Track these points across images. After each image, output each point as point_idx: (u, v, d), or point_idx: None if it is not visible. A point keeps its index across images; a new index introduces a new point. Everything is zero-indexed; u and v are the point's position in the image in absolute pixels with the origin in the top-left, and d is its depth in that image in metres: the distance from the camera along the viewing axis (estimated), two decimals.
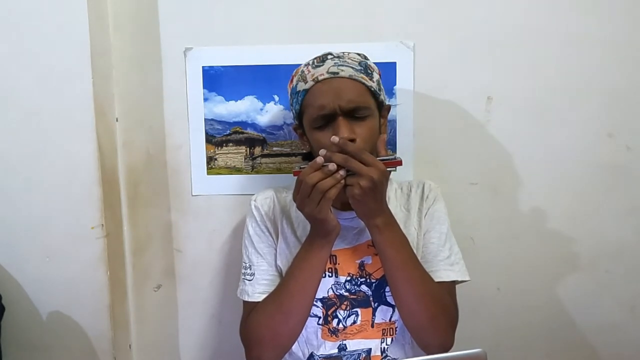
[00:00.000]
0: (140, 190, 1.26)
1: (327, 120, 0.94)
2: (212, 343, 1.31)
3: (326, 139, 0.91)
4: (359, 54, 1.00)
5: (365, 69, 0.97)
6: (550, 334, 1.28)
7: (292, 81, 1.02)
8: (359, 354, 1.01)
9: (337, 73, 0.94)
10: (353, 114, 0.94)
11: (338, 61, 0.96)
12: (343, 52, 0.99)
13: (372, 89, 0.97)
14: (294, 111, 1.02)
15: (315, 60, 0.98)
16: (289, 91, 1.03)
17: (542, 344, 1.29)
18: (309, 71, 0.96)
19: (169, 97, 1.23)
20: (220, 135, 1.24)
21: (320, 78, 0.95)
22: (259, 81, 1.21)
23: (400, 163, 0.92)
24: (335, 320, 1.01)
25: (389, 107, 1.05)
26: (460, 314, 1.01)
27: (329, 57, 0.97)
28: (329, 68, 0.95)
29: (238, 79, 1.22)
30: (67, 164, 1.14)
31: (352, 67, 0.95)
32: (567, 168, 1.23)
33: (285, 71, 1.04)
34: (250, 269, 1.03)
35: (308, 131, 0.99)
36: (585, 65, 1.20)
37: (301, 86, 0.97)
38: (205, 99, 1.23)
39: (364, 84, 0.95)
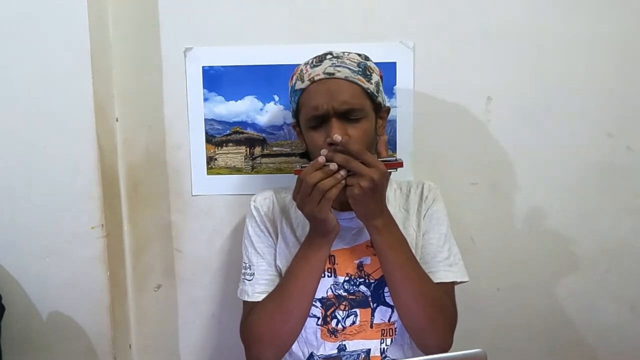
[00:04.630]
0: (140, 190, 1.26)
1: (321, 121, 0.94)
2: (212, 343, 1.31)
3: (320, 139, 0.93)
4: (359, 55, 1.00)
5: (364, 70, 0.97)
6: (550, 334, 1.28)
7: (292, 79, 1.02)
8: (359, 355, 1.01)
9: (333, 74, 0.94)
10: (347, 116, 0.94)
11: (336, 61, 0.96)
12: (343, 52, 0.99)
13: (369, 91, 0.96)
14: (292, 109, 1.03)
15: (314, 60, 0.98)
16: (289, 89, 1.03)
17: (542, 344, 1.29)
18: (307, 70, 0.97)
19: (169, 97, 1.23)
20: (220, 135, 1.24)
21: (316, 78, 0.95)
22: (259, 81, 1.21)
23: (401, 164, 0.92)
24: (334, 321, 1.01)
25: (388, 109, 1.05)
26: (460, 314, 1.01)
27: (328, 57, 0.97)
28: (325, 68, 0.95)
29: (238, 79, 1.22)
30: (67, 164, 1.14)
31: (350, 68, 0.95)
32: (567, 168, 1.23)
33: (285, 71, 1.04)
34: (250, 269, 1.03)
35: (304, 130, 0.99)
36: (585, 65, 1.20)
37: (298, 85, 0.98)
38: (205, 99, 1.23)
39: (360, 85, 0.95)
